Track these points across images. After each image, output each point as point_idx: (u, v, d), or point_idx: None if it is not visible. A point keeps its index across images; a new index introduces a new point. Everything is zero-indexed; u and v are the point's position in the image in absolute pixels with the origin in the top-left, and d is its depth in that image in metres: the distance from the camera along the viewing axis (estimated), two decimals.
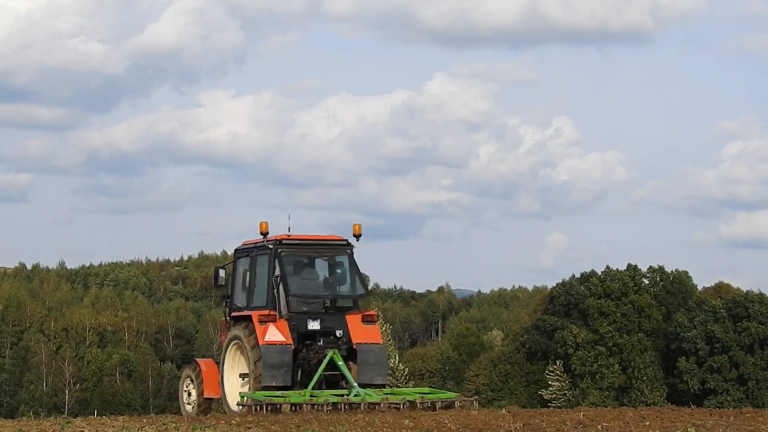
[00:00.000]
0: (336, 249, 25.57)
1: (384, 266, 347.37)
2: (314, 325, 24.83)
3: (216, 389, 25.70)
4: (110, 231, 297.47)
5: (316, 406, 22.55)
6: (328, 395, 23.40)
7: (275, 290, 24.77)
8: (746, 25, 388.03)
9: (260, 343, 24.17)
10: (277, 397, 23.20)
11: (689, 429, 19.21)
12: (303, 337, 24.80)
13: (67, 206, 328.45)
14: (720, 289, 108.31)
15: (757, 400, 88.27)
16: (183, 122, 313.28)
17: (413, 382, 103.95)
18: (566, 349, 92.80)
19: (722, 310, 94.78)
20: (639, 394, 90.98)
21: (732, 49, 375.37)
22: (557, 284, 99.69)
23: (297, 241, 25.40)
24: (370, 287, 25.55)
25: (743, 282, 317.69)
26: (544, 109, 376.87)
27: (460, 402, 24.16)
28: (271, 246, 24.97)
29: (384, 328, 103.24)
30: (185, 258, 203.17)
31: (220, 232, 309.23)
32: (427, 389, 25.96)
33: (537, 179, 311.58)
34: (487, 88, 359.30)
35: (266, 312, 24.58)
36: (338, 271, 25.75)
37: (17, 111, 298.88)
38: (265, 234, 25.26)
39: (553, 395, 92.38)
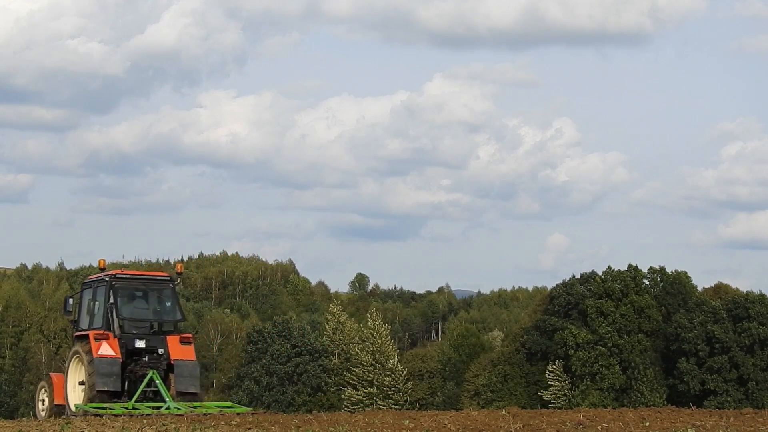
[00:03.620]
0: (161, 283, 32.15)
1: (384, 267, 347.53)
2: (141, 344, 31.00)
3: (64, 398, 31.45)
4: (110, 232, 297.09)
5: (133, 416, 27.37)
6: (144, 408, 29.05)
7: (110, 315, 30.90)
8: (745, 27, 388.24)
9: (94, 356, 30.09)
10: (103, 408, 28.66)
11: (689, 430, 19.19)
12: (131, 353, 30.90)
13: (67, 207, 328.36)
14: (719, 289, 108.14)
15: (757, 400, 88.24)
16: (183, 123, 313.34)
17: (412, 382, 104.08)
18: (566, 349, 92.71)
19: (722, 311, 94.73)
20: (639, 395, 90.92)
21: (731, 51, 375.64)
22: (557, 285, 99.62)
23: (129, 276, 31.95)
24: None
25: (743, 283, 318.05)
26: (543, 110, 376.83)
27: (252, 415, 28.48)
28: (107, 279, 31.25)
29: (383, 329, 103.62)
30: (185, 259, 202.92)
31: (220, 233, 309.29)
32: (229, 404, 31.69)
33: (537, 180, 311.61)
34: (486, 89, 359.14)
35: (101, 332, 30.64)
36: (162, 301, 31.98)
37: (18, 112, 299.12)
38: (102, 270, 31.92)
39: (553, 396, 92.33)
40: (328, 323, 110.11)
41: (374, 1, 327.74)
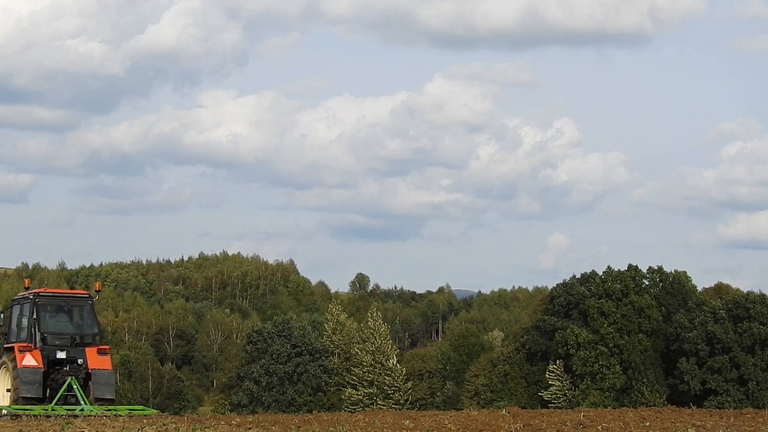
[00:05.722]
0: (80, 300, 36.15)
1: (384, 267, 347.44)
2: (61, 355, 34.89)
3: None
4: (110, 231, 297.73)
5: (51, 417, 30.51)
6: (60, 409, 32.48)
7: (33, 329, 34.91)
8: (745, 27, 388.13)
9: (18, 366, 34.13)
10: (25, 409, 32.23)
11: (689, 430, 19.18)
12: (53, 363, 34.83)
13: (68, 207, 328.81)
14: (720, 289, 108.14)
15: (757, 400, 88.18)
16: (183, 123, 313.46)
17: (412, 382, 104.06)
18: (567, 349, 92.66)
19: (722, 311, 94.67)
20: (639, 395, 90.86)
21: (730, 51, 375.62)
22: (557, 285, 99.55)
23: (51, 294, 36.21)
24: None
25: (742, 283, 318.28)
26: (543, 110, 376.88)
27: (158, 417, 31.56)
28: (31, 297, 35.33)
29: (383, 329, 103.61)
30: (185, 259, 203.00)
31: (220, 233, 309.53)
32: (140, 407, 35.79)
33: (537, 180, 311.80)
34: (486, 89, 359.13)
35: (25, 344, 34.72)
36: (81, 316, 35.80)
37: (18, 112, 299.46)
38: (27, 288, 36.19)
39: (553, 396, 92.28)
40: (327, 323, 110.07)
41: (374, 1, 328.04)
